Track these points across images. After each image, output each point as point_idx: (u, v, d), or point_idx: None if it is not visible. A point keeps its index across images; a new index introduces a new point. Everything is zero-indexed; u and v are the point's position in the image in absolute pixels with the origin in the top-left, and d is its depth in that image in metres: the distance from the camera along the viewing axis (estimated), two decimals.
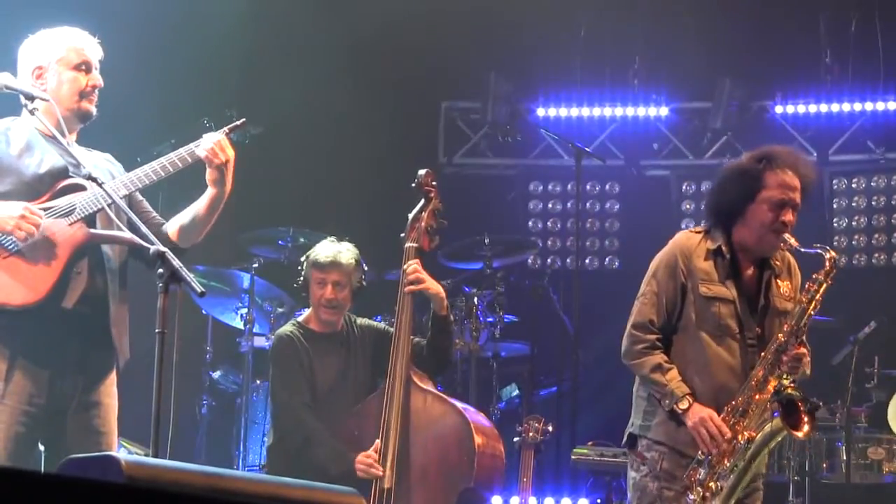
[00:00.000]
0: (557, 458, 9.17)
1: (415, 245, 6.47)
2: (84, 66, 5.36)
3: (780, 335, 5.47)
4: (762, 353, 5.48)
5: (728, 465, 5.38)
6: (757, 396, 5.43)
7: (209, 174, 5.34)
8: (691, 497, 5.39)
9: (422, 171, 6.58)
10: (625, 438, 5.71)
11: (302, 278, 6.97)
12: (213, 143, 5.28)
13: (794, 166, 5.56)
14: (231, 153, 5.33)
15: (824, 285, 5.51)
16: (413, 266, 6.42)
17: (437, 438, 6.34)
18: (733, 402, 5.43)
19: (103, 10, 7.64)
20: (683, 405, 5.43)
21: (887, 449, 8.66)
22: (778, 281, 5.66)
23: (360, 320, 7.00)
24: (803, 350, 5.49)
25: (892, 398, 7.76)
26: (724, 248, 5.59)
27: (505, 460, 6.62)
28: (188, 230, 5.44)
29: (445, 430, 6.36)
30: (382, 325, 7.13)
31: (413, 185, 6.56)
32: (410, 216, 6.52)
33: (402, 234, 6.52)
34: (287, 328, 6.98)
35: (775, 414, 5.39)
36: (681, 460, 5.51)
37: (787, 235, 5.51)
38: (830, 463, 8.82)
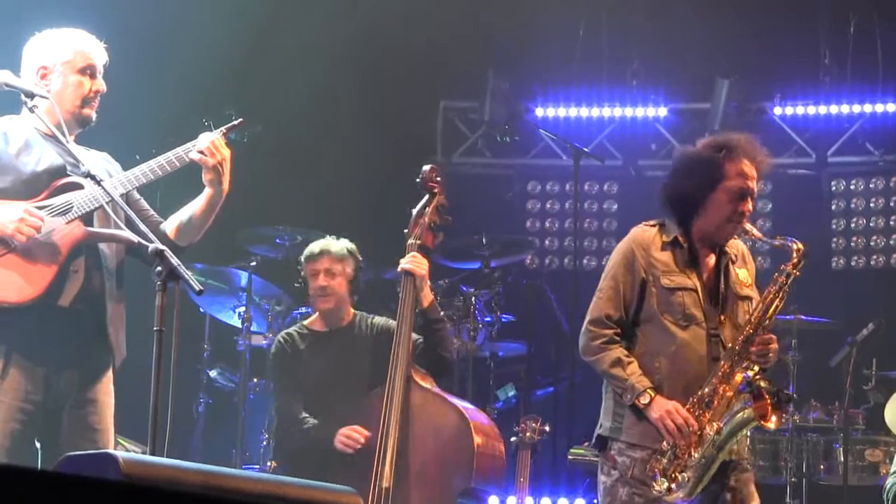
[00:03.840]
0: (554, 458, 9.16)
1: (418, 242, 6.43)
2: (89, 71, 5.34)
3: (748, 327, 5.43)
4: (730, 345, 5.43)
5: (696, 456, 5.32)
6: (723, 388, 5.37)
7: (205, 174, 5.32)
8: (656, 487, 5.33)
9: (426, 167, 6.53)
10: (594, 440, 5.64)
11: (301, 280, 7.06)
12: (209, 143, 5.27)
13: (752, 156, 5.55)
14: (226, 153, 5.32)
15: (793, 276, 5.49)
16: (415, 257, 6.39)
17: (437, 438, 6.31)
18: (699, 393, 5.37)
19: (103, 9, 7.63)
20: (644, 400, 5.35)
21: (885, 451, 8.65)
22: (735, 268, 5.63)
23: (375, 319, 6.97)
24: (770, 336, 5.44)
25: (890, 400, 7.74)
26: (680, 238, 5.56)
27: (506, 459, 6.60)
28: (186, 229, 5.43)
29: (444, 430, 6.33)
30: (392, 324, 7.06)
31: (417, 180, 6.51)
32: (414, 212, 6.48)
33: (406, 231, 6.48)
34: (286, 331, 7.04)
35: (748, 404, 5.32)
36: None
37: (749, 227, 5.52)
38: (828, 465, 8.82)
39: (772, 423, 5.36)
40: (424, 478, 6.26)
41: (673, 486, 5.31)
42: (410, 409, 6.30)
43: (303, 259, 7.02)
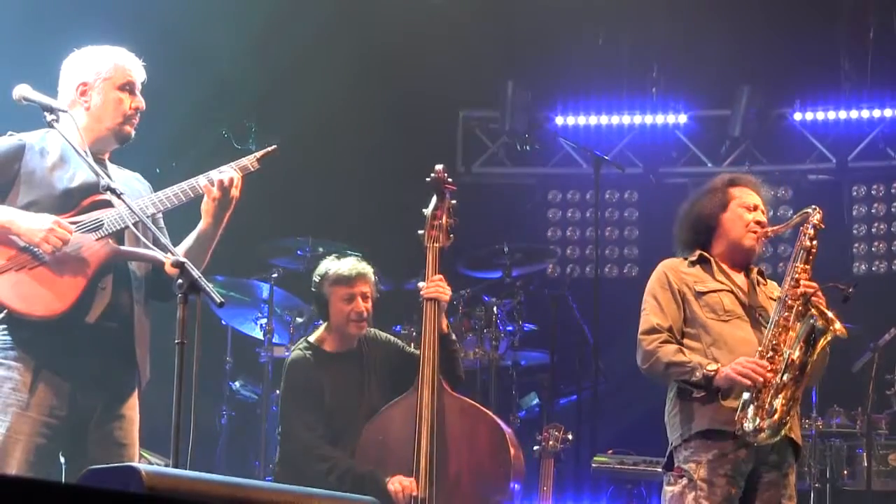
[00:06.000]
0: (577, 466, 9.14)
1: (438, 245, 6.36)
2: (129, 88, 5.31)
3: (789, 275, 5.67)
4: (779, 293, 5.68)
5: (777, 380, 5.45)
6: (784, 337, 5.55)
7: (207, 202, 5.25)
8: (746, 426, 5.43)
9: (438, 167, 6.45)
10: (665, 462, 5.75)
11: (318, 299, 6.79)
12: (230, 177, 5.20)
13: (756, 187, 5.97)
14: (236, 193, 5.25)
15: (818, 228, 5.72)
16: (440, 283, 6.33)
17: (472, 447, 6.26)
18: (764, 343, 5.55)
19: (120, 22, 7.66)
20: (712, 367, 5.50)
21: None
22: (764, 287, 5.90)
23: (371, 332, 6.83)
24: (814, 284, 5.64)
25: None
26: (705, 254, 5.86)
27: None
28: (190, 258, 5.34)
29: (480, 439, 6.29)
30: (394, 339, 6.99)
31: (428, 179, 6.41)
32: (427, 213, 6.38)
33: (421, 232, 6.37)
34: (299, 353, 6.77)
35: (813, 319, 5.51)
36: (722, 460, 5.55)
37: (766, 230, 5.85)
38: (851, 470, 8.80)
39: (838, 326, 5.57)
40: (458, 487, 6.21)
41: (762, 422, 5.42)
42: (445, 417, 6.23)
43: (329, 279, 6.70)
